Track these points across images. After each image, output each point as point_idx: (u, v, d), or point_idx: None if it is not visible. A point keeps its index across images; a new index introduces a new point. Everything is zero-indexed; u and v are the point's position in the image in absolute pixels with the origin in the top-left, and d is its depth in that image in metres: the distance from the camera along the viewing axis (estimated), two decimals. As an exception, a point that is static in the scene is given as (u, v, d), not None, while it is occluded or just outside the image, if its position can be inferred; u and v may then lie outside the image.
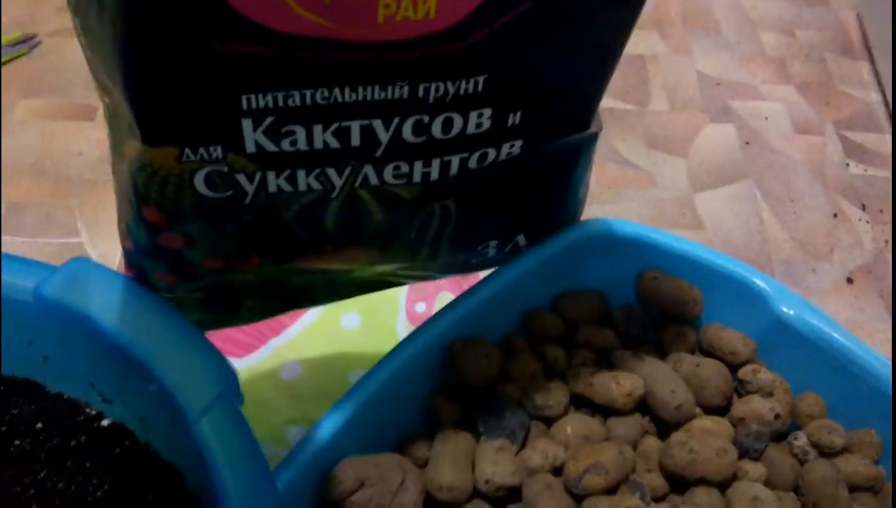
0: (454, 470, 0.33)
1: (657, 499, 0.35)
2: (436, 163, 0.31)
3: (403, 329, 0.53)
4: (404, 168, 0.31)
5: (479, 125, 0.31)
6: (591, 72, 0.33)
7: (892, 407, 0.36)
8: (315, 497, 0.33)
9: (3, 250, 0.35)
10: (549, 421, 0.36)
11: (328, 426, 0.33)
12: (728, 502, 0.34)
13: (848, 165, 0.67)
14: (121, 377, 0.35)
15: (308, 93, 0.28)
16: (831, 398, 0.38)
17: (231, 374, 0.33)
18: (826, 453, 0.36)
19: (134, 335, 0.33)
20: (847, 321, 0.56)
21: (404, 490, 0.32)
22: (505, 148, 0.32)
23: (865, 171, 0.66)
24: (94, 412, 0.37)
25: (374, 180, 0.31)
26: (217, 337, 0.34)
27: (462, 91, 0.29)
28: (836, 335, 0.37)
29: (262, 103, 0.28)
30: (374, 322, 0.53)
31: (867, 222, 0.63)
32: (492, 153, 0.32)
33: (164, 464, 0.36)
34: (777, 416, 0.36)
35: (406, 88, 0.28)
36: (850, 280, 0.59)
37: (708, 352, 0.39)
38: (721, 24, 0.78)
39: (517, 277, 0.38)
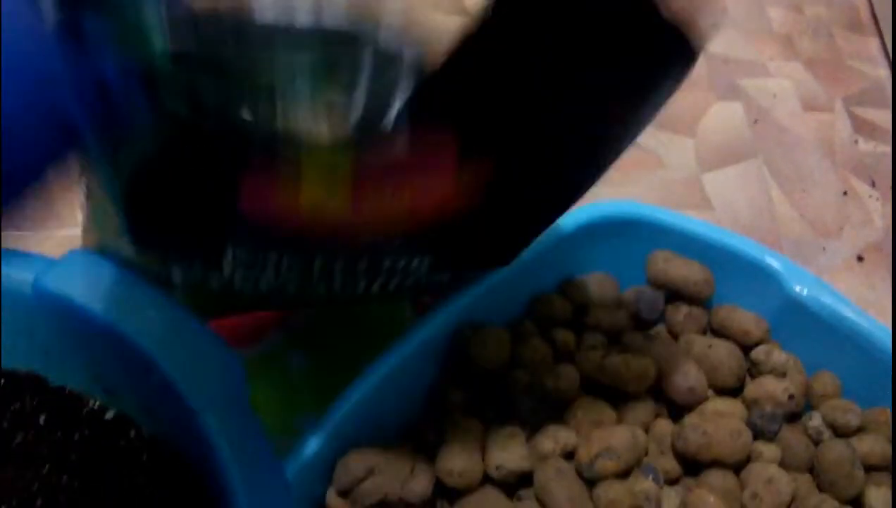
0: (464, 456, 0.33)
1: (670, 482, 0.34)
2: (380, 281, 0.34)
3: (411, 314, 0.52)
4: (352, 283, 0.34)
5: (420, 264, 0.33)
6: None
7: (893, 388, 0.36)
8: (325, 486, 0.33)
9: (2, 243, 0.35)
10: (559, 406, 0.36)
11: (337, 415, 0.32)
12: (743, 483, 0.33)
13: (857, 141, 0.66)
14: (124, 370, 0.35)
15: (285, 257, 0.31)
16: (846, 377, 0.38)
17: (237, 365, 0.33)
18: (841, 433, 0.36)
19: (137, 328, 0.32)
20: (858, 300, 0.55)
21: (414, 477, 0.32)
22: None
23: (875, 147, 0.65)
24: (97, 405, 0.37)
25: (322, 290, 0.34)
26: (222, 328, 0.34)
27: (412, 264, 0.33)
28: (849, 314, 0.37)
29: (241, 256, 0.31)
30: (381, 309, 0.52)
31: (877, 199, 0.62)
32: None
33: (171, 456, 0.36)
34: (791, 397, 0.36)
35: (367, 260, 0.32)
36: (860, 258, 0.58)
37: (720, 333, 0.39)
38: (727, 0, 0.77)
39: (525, 261, 0.37)
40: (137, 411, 0.36)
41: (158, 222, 0.29)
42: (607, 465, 0.32)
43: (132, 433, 0.36)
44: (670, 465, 0.34)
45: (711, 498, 0.31)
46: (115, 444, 0.36)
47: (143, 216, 0.29)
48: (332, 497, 0.32)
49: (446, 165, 0.28)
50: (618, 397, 0.36)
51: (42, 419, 0.36)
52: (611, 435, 0.33)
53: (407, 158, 0.26)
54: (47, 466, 0.35)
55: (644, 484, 0.32)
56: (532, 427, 0.35)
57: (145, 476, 0.35)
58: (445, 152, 0.27)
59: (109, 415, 0.37)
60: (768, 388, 0.36)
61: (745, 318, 0.38)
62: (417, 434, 0.34)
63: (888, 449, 0.35)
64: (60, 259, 0.33)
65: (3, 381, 0.37)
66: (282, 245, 0.30)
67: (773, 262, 0.38)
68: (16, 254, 0.33)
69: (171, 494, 0.35)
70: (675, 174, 0.61)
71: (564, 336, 0.38)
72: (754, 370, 0.38)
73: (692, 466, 0.34)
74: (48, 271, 0.32)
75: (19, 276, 0.33)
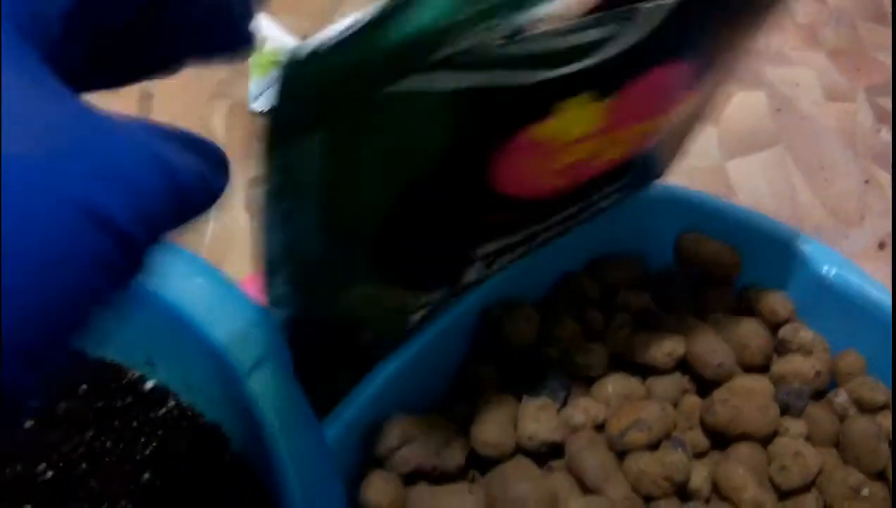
0: (497, 427, 0.33)
1: (698, 455, 0.35)
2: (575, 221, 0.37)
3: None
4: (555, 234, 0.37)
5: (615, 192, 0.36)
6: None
7: (893, 385, 0.36)
8: (361, 453, 0.33)
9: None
10: (589, 381, 0.36)
11: (374, 385, 0.33)
12: (770, 457, 0.34)
13: (879, 131, 0.66)
14: (166, 340, 0.35)
15: (522, 233, 0.33)
16: (871, 355, 0.38)
17: (279, 334, 0.33)
18: (866, 409, 0.36)
19: (181, 297, 0.33)
20: (880, 287, 0.56)
21: (449, 447, 0.33)
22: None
23: (897, 137, 0.66)
24: (136, 376, 0.37)
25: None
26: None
27: (614, 187, 0.35)
28: (876, 294, 0.37)
29: (490, 249, 0.32)
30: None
31: (899, 188, 0.62)
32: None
33: (209, 425, 0.36)
34: (818, 373, 0.36)
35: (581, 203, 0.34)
36: (881, 246, 0.59)
37: (747, 312, 0.39)
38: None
39: (555, 241, 0.38)
40: (176, 381, 0.37)
41: (410, 250, 0.30)
42: (637, 437, 0.33)
43: (171, 402, 0.37)
44: (698, 439, 0.35)
45: (741, 470, 0.32)
46: (155, 412, 0.37)
47: (395, 250, 0.30)
48: (367, 465, 0.33)
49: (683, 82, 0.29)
50: (647, 373, 0.37)
51: (83, 389, 0.37)
52: (640, 408, 0.34)
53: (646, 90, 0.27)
54: (91, 431, 0.36)
55: (674, 456, 0.33)
56: (562, 402, 0.36)
57: (184, 444, 0.36)
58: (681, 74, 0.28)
59: (148, 385, 0.37)
60: (795, 365, 0.37)
61: (772, 298, 0.39)
62: (451, 406, 0.35)
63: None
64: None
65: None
66: (524, 221, 0.32)
67: (801, 242, 0.39)
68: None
69: (210, 462, 0.36)
70: (699, 162, 0.62)
71: (593, 315, 0.38)
72: (781, 348, 0.38)
73: (720, 440, 0.35)
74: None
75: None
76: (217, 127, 0.61)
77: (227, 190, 0.20)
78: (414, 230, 0.29)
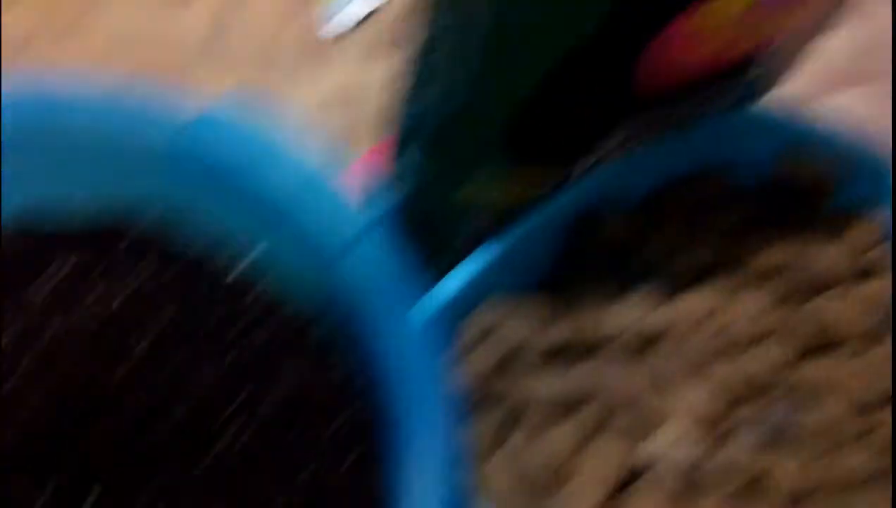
0: (591, 318, 0.34)
1: (787, 363, 0.35)
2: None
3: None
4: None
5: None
6: None
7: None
8: (454, 332, 0.34)
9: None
10: (683, 286, 0.36)
11: (471, 268, 0.34)
12: (856, 371, 0.34)
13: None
14: (254, 227, 0.35)
15: (643, 125, 0.33)
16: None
17: (375, 217, 0.33)
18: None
19: (272, 181, 0.33)
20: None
21: (542, 331, 0.33)
22: None
23: None
24: (222, 265, 0.37)
25: None
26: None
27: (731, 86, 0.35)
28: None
29: (611, 138, 0.33)
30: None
31: None
32: None
33: (296, 314, 0.36)
34: (905, 297, 0.36)
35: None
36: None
37: (837, 235, 0.39)
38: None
39: (655, 148, 0.38)
40: (263, 269, 0.37)
41: (548, 126, 0.31)
42: (730, 339, 0.33)
43: (256, 290, 0.37)
44: (788, 349, 0.35)
45: (844, 372, 0.32)
46: (239, 302, 0.36)
47: (536, 122, 0.30)
48: (464, 344, 0.34)
49: None
50: (740, 283, 0.37)
51: (164, 279, 0.37)
52: (733, 314, 0.34)
53: None
54: (173, 314, 0.35)
55: (765, 361, 0.33)
56: (656, 304, 0.36)
57: (269, 333, 0.36)
58: None
59: (233, 274, 0.37)
60: (881, 289, 0.37)
61: (861, 222, 0.39)
62: (548, 293, 0.35)
63: None
64: (194, 119, 0.33)
65: (127, 242, 0.37)
66: (657, 105, 0.32)
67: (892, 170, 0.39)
68: (150, 112, 0.34)
69: (296, 351, 0.36)
70: (789, 96, 0.61)
71: (688, 225, 0.38)
72: (869, 271, 0.38)
73: (811, 352, 0.35)
74: (181, 129, 0.33)
75: (153, 133, 0.33)
76: (286, 50, 0.61)
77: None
78: (557, 104, 0.29)
